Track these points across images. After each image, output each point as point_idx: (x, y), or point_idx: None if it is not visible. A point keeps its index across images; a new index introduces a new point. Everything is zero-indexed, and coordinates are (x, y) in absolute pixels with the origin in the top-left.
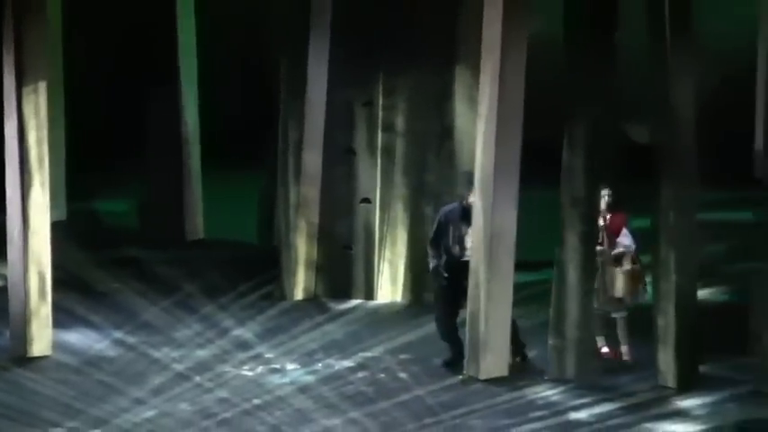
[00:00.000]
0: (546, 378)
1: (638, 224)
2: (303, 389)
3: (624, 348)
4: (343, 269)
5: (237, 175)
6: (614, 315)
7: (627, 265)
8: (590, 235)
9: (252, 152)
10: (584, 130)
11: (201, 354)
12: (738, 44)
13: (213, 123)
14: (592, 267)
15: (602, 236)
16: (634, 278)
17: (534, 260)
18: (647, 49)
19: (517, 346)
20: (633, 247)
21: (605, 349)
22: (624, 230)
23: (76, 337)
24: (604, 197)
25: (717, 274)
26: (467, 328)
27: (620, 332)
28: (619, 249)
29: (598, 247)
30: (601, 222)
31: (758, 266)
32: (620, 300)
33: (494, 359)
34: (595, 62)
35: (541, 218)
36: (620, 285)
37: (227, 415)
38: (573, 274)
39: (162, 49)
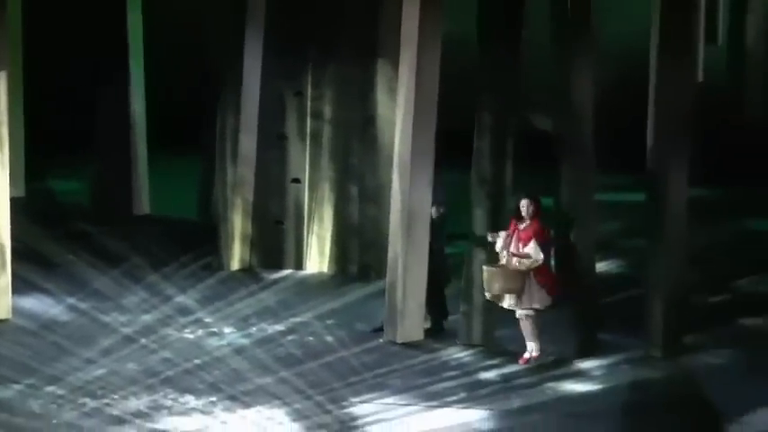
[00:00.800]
0: (458, 342)
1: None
2: (239, 350)
3: (530, 345)
4: (275, 242)
5: (181, 157)
6: (518, 314)
7: (499, 266)
8: (496, 210)
9: (193, 137)
10: (491, 118)
11: (147, 318)
12: (635, 43)
13: (159, 110)
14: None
15: (509, 240)
16: (510, 279)
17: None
18: (550, 45)
19: (437, 315)
20: (539, 257)
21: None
22: (533, 243)
23: (33, 303)
24: (524, 207)
25: (613, 250)
26: (386, 296)
27: (523, 331)
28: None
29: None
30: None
31: (649, 242)
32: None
33: (410, 324)
34: (503, 57)
35: (457, 197)
36: (488, 283)
37: (170, 373)
38: (480, 246)
39: (112, 41)
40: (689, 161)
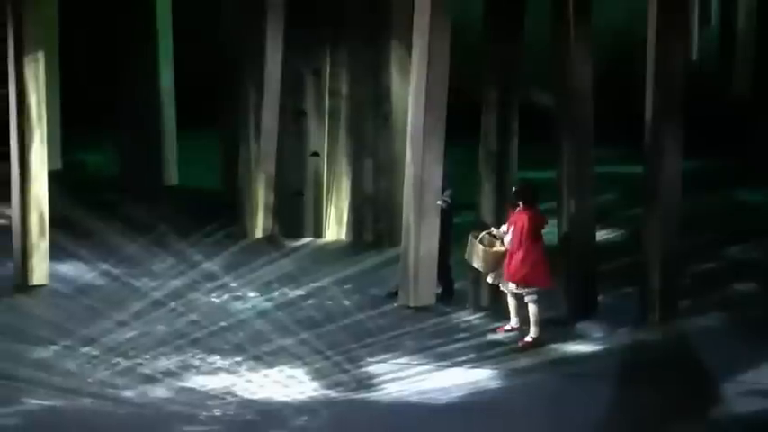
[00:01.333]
0: (467, 306)
1: (543, 176)
2: (262, 313)
3: (532, 329)
4: (295, 212)
5: (207, 131)
6: (526, 298)
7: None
8: (502, 183)
9: (219, 112)
10: (497, 96)
11: (175, 283)
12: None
13: (187, 86)
14: (502, 211)
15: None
16: (487, 258)
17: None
18: (550, 25)
19: (446, 282)
20: (505, 245)
21: (506, 327)
22: (510, 231)
23: (69, 269)
24: (514, 190)
25: (611, 219)
26: (400, 262)
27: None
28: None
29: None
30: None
31: (646, 212)
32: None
33: (423, 289)
34: (507, 40)
35: (464, 169)
36: (479, 263)
37: (198, 335)
38: (487, 216)
39: (141, 20)
40: (683, 134)
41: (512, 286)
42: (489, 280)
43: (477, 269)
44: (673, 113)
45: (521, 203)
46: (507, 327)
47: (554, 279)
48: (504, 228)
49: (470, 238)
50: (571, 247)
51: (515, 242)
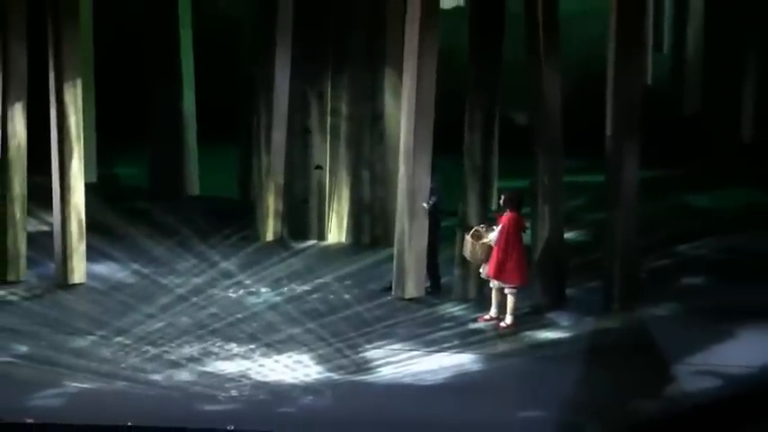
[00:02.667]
0: (453, 298)
1: (519, 184)
2: (273, 306)
3: (496, 313)
4: (301, 217)
5: (224, 146)
6: (506, 290)
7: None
8: (485, 193)
9: (234, 130)
10: (480, 114)
11: (197, 281)
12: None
13: (207, 107)
14: (486, 216)
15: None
16: (477, 251)
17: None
18: (524, 54)
19: (434, 277)
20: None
21: (486, 316)
22: (497, 228)
23: (104, 269)
24: (502, 197)
25: (578, 222)
26: (394, 260)
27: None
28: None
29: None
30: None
31: (608, 215)
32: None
33: (414, 283)
34: (488, 66)
35: (448, 179)
36: (469, 255)
37: (217, 326)
38: (473, 222)
39: (165, 49)
40: (640, 147)
41: (495, 281)
42: (482, 274)
43: (468, 264)
44: (631, 129)
45: (508, 209)
46: (487, 316)
47: (529, 277)
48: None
49: (466, 237)
50: (544, 247)
51: (500, 239)
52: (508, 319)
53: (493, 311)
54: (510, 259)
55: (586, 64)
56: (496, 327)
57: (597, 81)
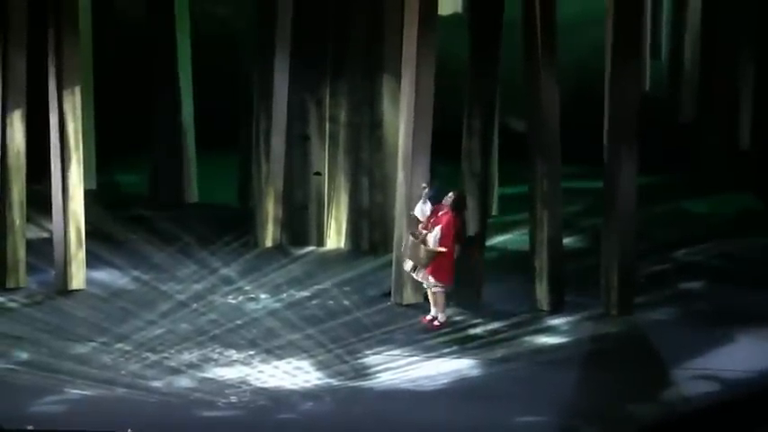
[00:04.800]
0: (451, 304)
1: (516, 191)
2: (272, 312)
3: (437, 313)
4: (300, 224)
5: (224, 154)
6: (434, 289)
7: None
8: (484, 199)
9: (234, 137)
10: (479, 119)
11: (197, 287)
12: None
13: (207, 115)
14: (484, 222)
15: (429, 223)
16: (423, 254)
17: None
18: (522, 62)
19: None
20: (435, 246)
21: (428, 317)
22: (438, 229)
23: (103, 275)
24: (449, 197)
25: (576, 227)
26: (393, 266)
27: (435, 300)
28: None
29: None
30: (439, 214)
31: (605, 221)
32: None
33: (412, 289)
34: (486, 74)
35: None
36: (410, 253)
37: (217, 332)
38: (471, 227)
39: (164, 57)
40: (637, 154)
41: (431, 281)
42: (414, 275)
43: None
44: (628, 136)
45: (450, 205)
46: (429, 317)
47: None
48: (436, 230)
49: (410, 238)
50: (542, 252)
51: (446, 240)
52: (441, 317)
53: (433, 311)
54: (446, 259)
55: (584, 70)
56: (431, 327)
57: (595, 87)
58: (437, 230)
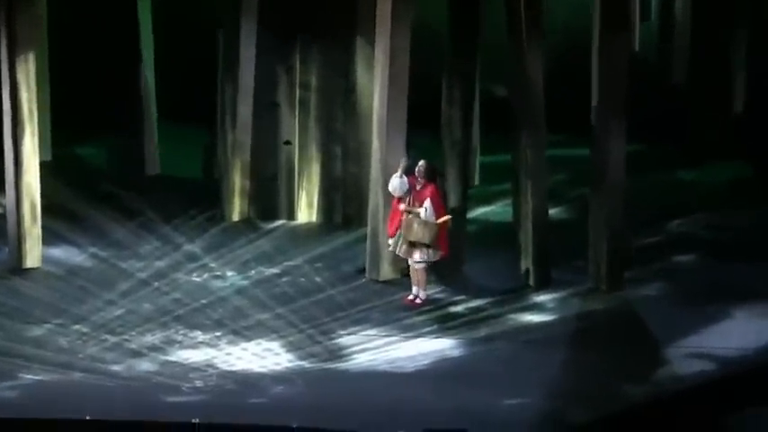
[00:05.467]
0: (432, 280)
1: (499, 159)
2: (240, 291)
3: (419, 291)
4: (269, 196)
5: (188, 122)
6: (414, 264)
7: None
8: (465, 169)
9: (199, 106)
10: (459, 88)
11: (159, 264)
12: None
13: (169, 83)
14: (465, 192)
15: (411, 198)
16: (427, 230)
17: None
18: (505, 23)
19: None
20: (431, 219)
21: (410, 297)
22: (428, 201)
23: (60, 253)
24: (419, 169)
25: (562, 198)
26: (368, 241)
27: (417, 278)
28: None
29: (402, 206)
30: (417, 187)
31: (593, 191)
32: (413, 247)
33: (389, 265)
34: (466, 39)
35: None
36: (415, 231)
37: (181, 312)
38: (453, 198)
39: (124, 23)
40: (626, 120)
41: (416, 256)
42: (397, 251)
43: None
44: (617, 100)
45: (422, 176)
46: (411, 296)
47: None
48: (427, 204)
49: (410, 216)
50: (527, 225)
51: (440, 211)
52: (422, 294)
53: (415, 290)
54: (442, 230)
55: (570, 30)
56: (413, 305)
57: (581, 47)
58: (428, 203)
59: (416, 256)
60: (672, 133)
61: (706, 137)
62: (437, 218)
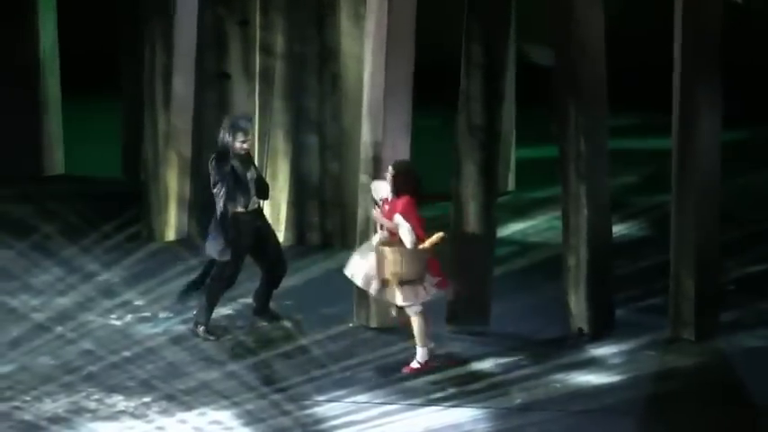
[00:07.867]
0: (446, 325)
1: (542, 153)
2: (176, 339)
3: (419, 351)
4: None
5: (99, 104)
6: (407, 309)
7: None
8: (490, 164)
9: (114, 79)
10: (482, 50)
11: (63, 301)
12: None
13: (72, 48)
14: (492, 201)
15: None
16: (410, 259)
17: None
18: None
19: None
20: (407, 240)
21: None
22: (398, 217)
23: None
24: (387, 176)
25: (630, 208)
26: None
27: (415, 330)
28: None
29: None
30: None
31: (676, 198)
32: (393, 285)
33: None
34: None
35: (436, 147)
36: (391, 262)
37: (93, 369)
38: (473, 208)
39: None
40: (723, 98)
41: (399, 298)
42: (374, 293)
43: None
44: (709, 67)
45: (394, 187)
46: (414, 363)
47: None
48: (398, 220)
49: (379, 248)
50: (580, 245)
51: (420, 227)
52: (421, 354)
53: (420, 351)
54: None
55: None
56: (404, 368)
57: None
58: (399, 219)
59: (399, 298)
60: None
61: None
62: (420, 238)
